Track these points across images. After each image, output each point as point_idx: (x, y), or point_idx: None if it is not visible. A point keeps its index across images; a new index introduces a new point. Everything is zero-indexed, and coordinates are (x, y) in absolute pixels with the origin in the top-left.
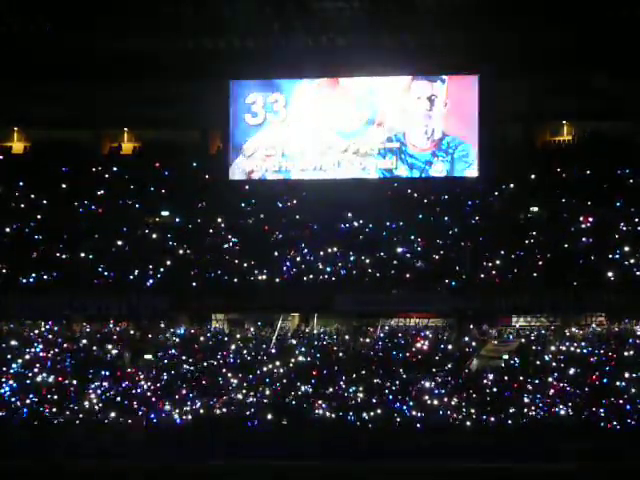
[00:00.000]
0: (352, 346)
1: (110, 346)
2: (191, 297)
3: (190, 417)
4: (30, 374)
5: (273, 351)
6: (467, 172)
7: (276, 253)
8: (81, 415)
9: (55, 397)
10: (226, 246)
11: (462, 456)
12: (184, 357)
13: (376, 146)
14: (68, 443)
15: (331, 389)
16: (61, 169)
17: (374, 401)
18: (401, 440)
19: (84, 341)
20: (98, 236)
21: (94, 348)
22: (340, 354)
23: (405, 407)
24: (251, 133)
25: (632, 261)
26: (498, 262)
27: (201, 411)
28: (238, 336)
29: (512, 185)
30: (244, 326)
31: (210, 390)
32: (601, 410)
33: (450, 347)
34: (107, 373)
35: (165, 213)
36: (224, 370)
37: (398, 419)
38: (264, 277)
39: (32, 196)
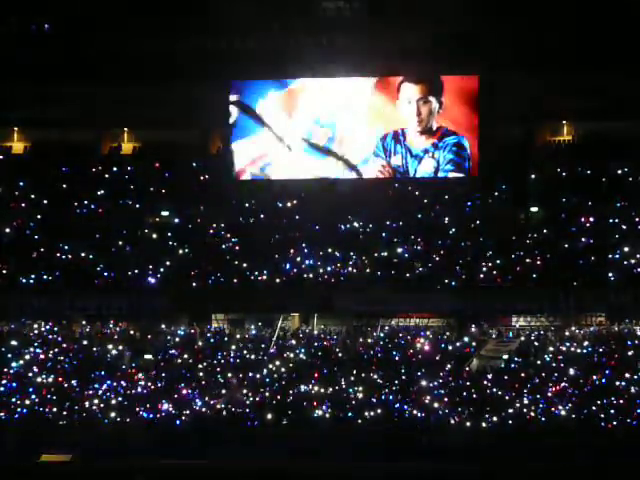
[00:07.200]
0: (352, 346)
1: (110, 346)
2: (191, 297)
3: (190, 417)
4: (30, 374)
5: (273, 351)
6: (455, 171)
7: (276, 253)
8: (82, 415)
9: (55, 397)
10: (225, 246)
11: (462, 456)
12: (184, 357)
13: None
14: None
15: (331, 389)
16: (61, 169)
17: (374, 401)
18: (401, 440)
19: (84, 341)
20: (98, 236)
21: (94, 348)
22: (340, 354)
23: (405, 407)
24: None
25: (632, 261)
26: (498, 262)
27: (202, 410)
28: (238, 336)
29: (512, 185)
30: (244, 326)
31: (210, 390)
32: (601, 410)
33: (450, 347)
34: (107, 373)
35: (165, 213)
36: (224, 370)
37: (398, 419)
38: (264, 277)
39: (32, 196)
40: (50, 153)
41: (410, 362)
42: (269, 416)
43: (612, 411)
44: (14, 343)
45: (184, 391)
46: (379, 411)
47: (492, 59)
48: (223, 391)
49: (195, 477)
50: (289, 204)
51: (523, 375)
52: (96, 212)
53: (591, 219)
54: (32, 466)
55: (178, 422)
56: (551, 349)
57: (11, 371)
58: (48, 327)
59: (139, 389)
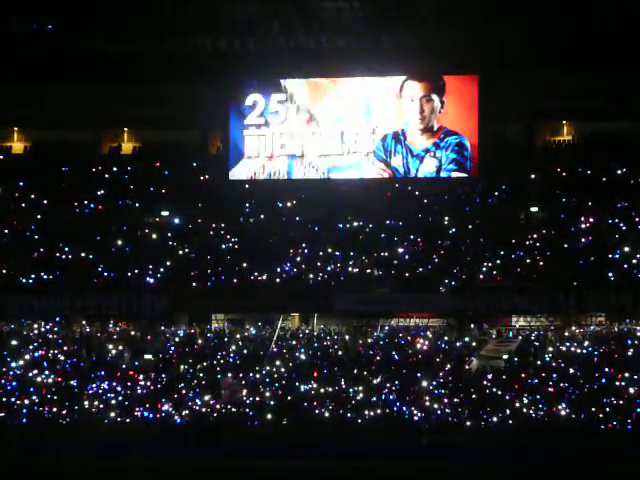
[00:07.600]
0: (352, 346)
1: (110, 346)
2: (191, 297)
3: (190, 417)
4: (30, 374)
5: (274, 349)
6: (458, 171)
7: (276, 253)
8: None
9: (55, 397)
10: (225, 246)
11: (462, 456)
12: (184, 357)
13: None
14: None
15: (331, 389)
16: (61, 169)
17: (374, 401)
18: (401, 440)
19: (84, 341)
20: (98, 236)
21: (94, 348)
22: (340, 354)
23: (405, 407)
24: (252, 134)
25: (632, 261)
26: (498, 262)
27: (203, 410)
28: (238, 336)
29: (512, 185)
30: (244, 326)
31: (210, 390)
32: (601, 410)
33: (450, 347)
34: (107, 373)
35: (165, 213)
36: (224, 370)
37: (398, 419)
38: (264, 277)
39: (32, 196)
40: (50, 153)
41: (410, 362)
42: (269, 416)
43: (612, 411)
44: (14, 343)
45: (184, 391)
46: (379, 411)
47: (492, 59)
48: (223, 391)
49: (195, 477)
50: (289, 204)
51: (523, 375)
52: (96, 212)
53: (591, 219)
54: (33, 465)
55: (178, 422)
56: (551, 349)
57: (11, 371)
58: (48, 327)
59: (139, 389)
